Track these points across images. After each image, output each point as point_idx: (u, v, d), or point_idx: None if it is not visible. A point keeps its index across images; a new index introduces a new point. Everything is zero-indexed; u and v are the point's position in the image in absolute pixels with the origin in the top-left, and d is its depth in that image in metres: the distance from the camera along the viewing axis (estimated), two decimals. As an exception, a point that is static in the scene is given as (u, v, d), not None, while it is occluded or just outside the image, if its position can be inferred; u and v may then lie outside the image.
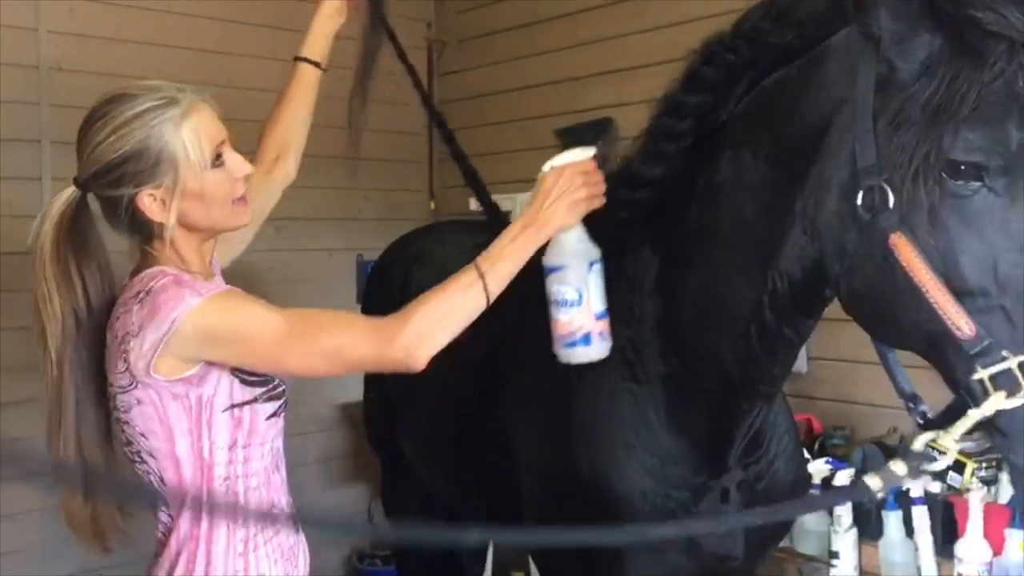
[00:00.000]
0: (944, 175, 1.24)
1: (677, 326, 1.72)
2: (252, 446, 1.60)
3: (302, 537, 1.72)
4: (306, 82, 2.19)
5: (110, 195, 1.57)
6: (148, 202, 1.55)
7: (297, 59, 2.17)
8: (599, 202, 1.62)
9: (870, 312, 1.38)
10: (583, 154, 1.64)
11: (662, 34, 3.63)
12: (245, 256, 3.83)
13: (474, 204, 4.32)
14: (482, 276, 1.54)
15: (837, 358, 3.05)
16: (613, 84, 3.79)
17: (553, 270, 1.63)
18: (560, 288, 1.62)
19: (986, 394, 1.22)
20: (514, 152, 4.25)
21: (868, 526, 2.64)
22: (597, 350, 1.64)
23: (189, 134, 1.55)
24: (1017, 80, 1.21)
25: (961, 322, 1.22)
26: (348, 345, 1.52)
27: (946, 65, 1.25)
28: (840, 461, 2.76)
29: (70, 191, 1.59)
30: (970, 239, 1.23)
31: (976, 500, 2.43)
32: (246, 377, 1.57)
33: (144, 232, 1.60)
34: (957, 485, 2.52)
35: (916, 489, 2.52)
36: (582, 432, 1.83)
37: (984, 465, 2.51)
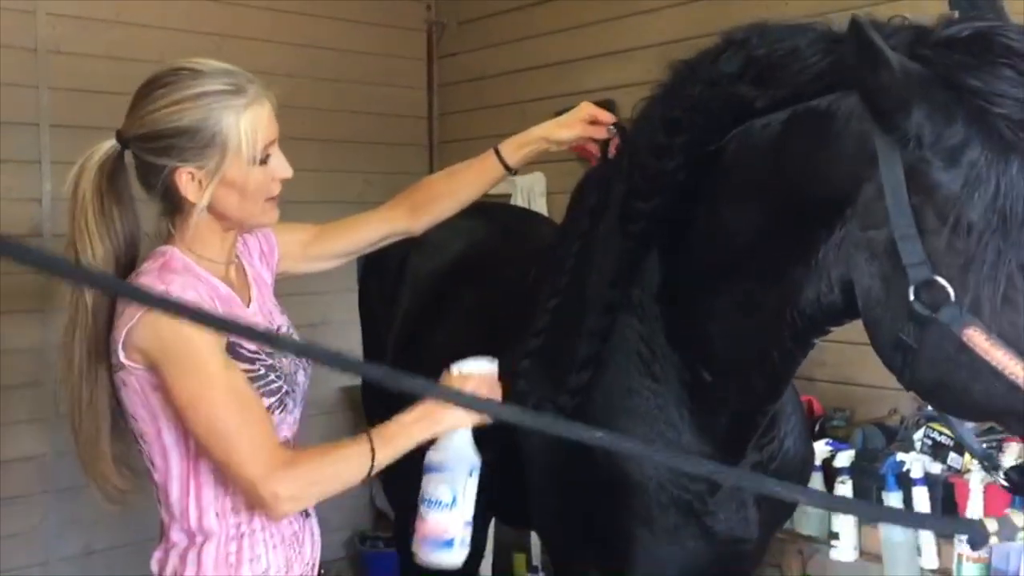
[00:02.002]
0: (1019, 272, 1.23)
1: (703, 344, 1.71)
2: None
3: (312, 523, 1.72)
4: (487, 174, 2.07)
5: (151, 161, 1.55)
6: (186, 180, 1.54)
7: (496, 149, 2.06)
8: (489, 420, 1.61)
9: (941, 395, 1.37)
10: (490, 366, 1.67)
11: (660, 15, 3.62)
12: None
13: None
14: (373, 453, 1.54)
15: (837, 340, 3.03)
16: (612, 66, 3.78)
17: (433, 469, 1.63)
18: (437, 488, 1.62)
19: None
20: (514, 134, 4.23)
21: (868, 507, 2.65)
22: (458, 556, 1.63)
23: (247, 126, 1.54)
24: None
25: None
26: (231, 458, 1.49)
27: (996, 167, 1.23)
28: (840, 443, 2.76)
29: (110, 144, 1.58)
30: None
31: (977, 480, 2.43)
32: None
33: (172, 205, 1.59)
34: (958, 466, 2.53)
35: (916, 470, 2.52)
36: (597, 425, 1.81)
37: (985, 445, 2.52)
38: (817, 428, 2.91)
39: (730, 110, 1.54)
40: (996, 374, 1.24)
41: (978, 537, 1.34)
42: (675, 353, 1.74)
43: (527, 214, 3.24)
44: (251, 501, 1.53)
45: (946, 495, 2.52)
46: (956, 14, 1.37)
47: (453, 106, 4.60)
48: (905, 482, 2.55)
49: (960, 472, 2.52)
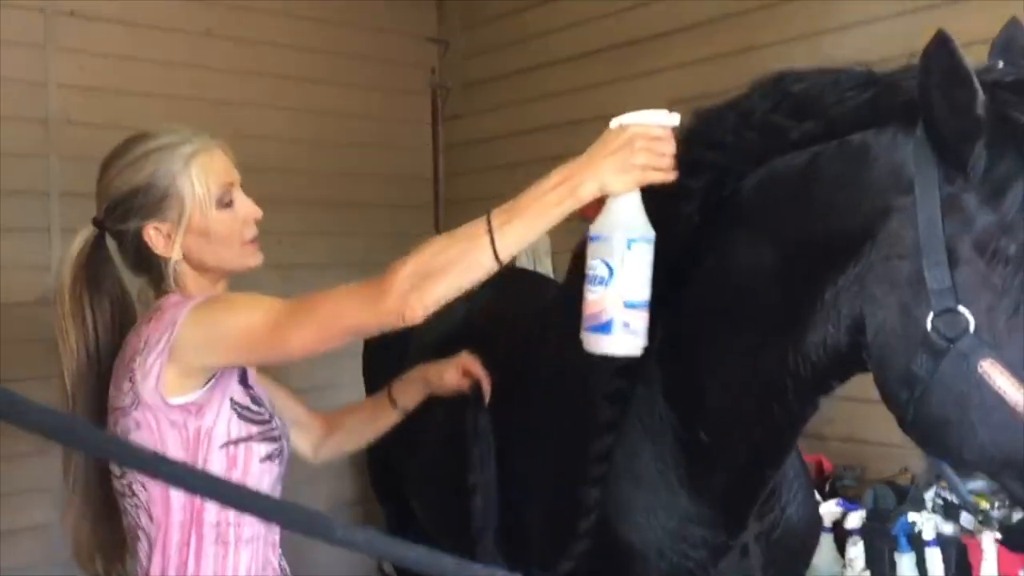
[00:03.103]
0: None
1: (699, 402, 1.68)
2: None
3: None
4: (379, 414, 2.06)
5: (120, 229, 1.61)
6: (153, 235, 1.59)
7: (390, 388, 2.05)
8: (662, 177, 1.43)
9: (945, 436, 1.33)
10: (660, 117, 1.44)
11: (663, 76, 3.66)
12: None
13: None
14: (491, 231, 1.38)
15: (847, 397, 3.02)
16: (616, 127, 3.82)
17: (592, 239, 1.45)
18: (593, 262, 1.43)
19: None
20: (505, 202, 4.26)
21: (881, 568, 2.60)
22: (620, 342, 1.44)
23: (197, 171, 1.59)
24: None
25: None
26: (342, 309, 1.45)
27: None
28: (851, 502, 2.74)
29: (88, 230, 1.65)
30: None
31: (990, 541, 2.40)
32: (244, 412, 1.57)
33: (152, 269, 1.63)
34: (970, 526, 2.49)
35: (929, 530, 2.49)
36: (603, 488, 1.77)
37: (998, 505, 2.49)
38: (828, 487, 2.88)
39: (760, 144, 1.49)
40: (1008, 413, 1.22)
41: None
42: (672, 413, 1.72)
43: (531, 276, 3.25)
44: (388, 323, 1.44)
45: (959, 556, 2.48)
46: (1000, 63, 1.38)
47: (459, 167, 4.65)
48: (917, 543, 2.52)
49: (973, 532, 2.48)
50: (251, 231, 1.65)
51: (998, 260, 1.24)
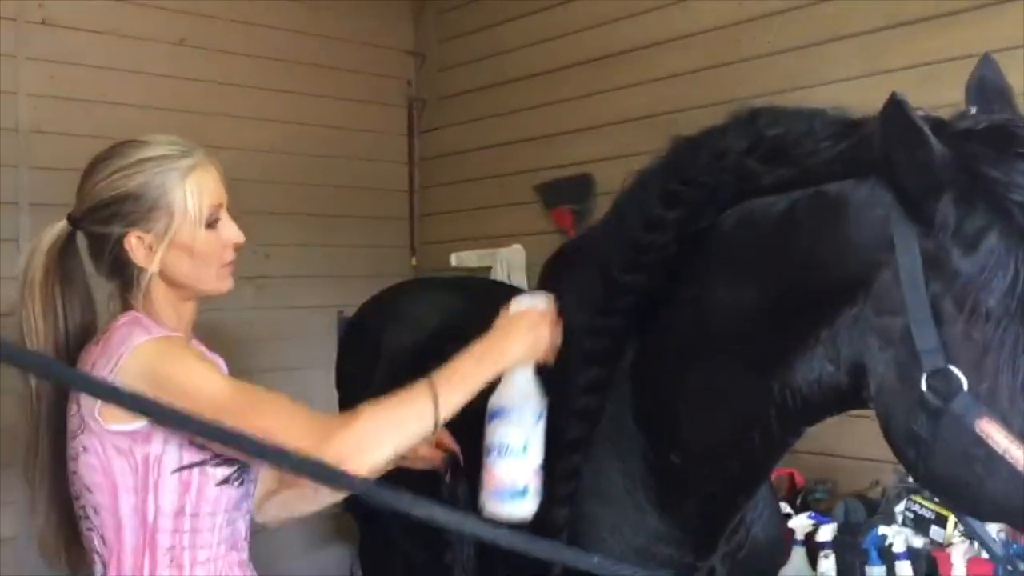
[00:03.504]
0: None
1: (671, 424, 1.66)
2: (201, 515, 1.55)
3: None
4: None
5: (100, 232, 1.57)
6: (135, 244, 1.55)
7: None
8: (553, 355, 1.59)
9: (956, 492, 1.33)
10: (547, 301, 1.61)
11: (639, 91, 3.69)
12: (224, 315, 3.83)
13: (455, 260, 4.35)
14: (436, 400, 1.47)
15: (818, 411, 3.05)
16: (590, 140, 3.84)
17: (499, 413, 1.55)
18: (505, 434, 1.53)
19: None
20: (494, 208, 4.28)
21: (852, 581, 2.62)
22: (531, 504, 1.55)
23: (192, 187, 1.57)
24: None
25: None
26: (282, 431, 1.39)
27: (1014, 254, 1.22)
28: (823, 516, 2.75)
29: (61, 225, 1.61)
30: None
31: (959, 554, 2.42)
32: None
33: (125, 276, 1.59)
34: (940, 539, 2.51)
35: (899, 543, 2.51)
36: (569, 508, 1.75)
37: (1016, 545, 2.49)
38: (799, 501, 2.90)
39: (734, 185, 1.50)
40: (1011, 469, 1.21)
41: None
42: (642, 434, 1.71)
43: (505, 288, 3.25)
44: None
45: (929, 570, 2.50)
46: (972, 109, 1.38)
47: (434, 179, 4.65)
48: (888, 556, 2.53)
49: (943, 545, 2.50)
50: (230, 255, 1.64)
51: (978, 316, 1.24)
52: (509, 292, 3.06)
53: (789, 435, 1.56)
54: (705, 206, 1.55)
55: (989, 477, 1.24)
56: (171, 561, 1.53)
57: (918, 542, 2.52)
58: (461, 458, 1.85)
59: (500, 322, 1.57)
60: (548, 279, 2.06)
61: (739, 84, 3.25)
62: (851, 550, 2.60)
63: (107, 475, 1.51)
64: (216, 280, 1.63)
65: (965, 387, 1.24)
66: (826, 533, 2.64)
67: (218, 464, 1.55)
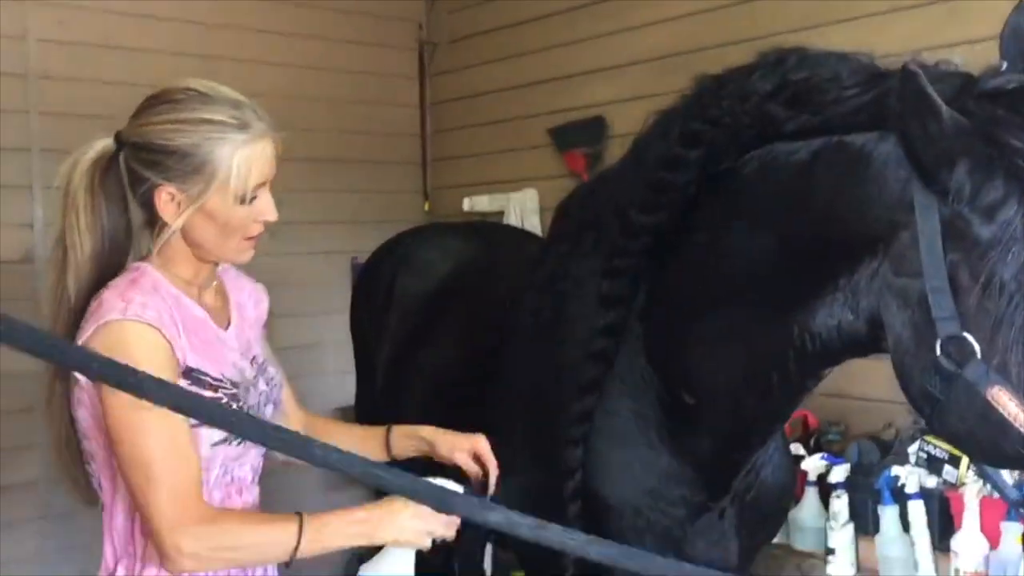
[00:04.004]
0: None
1: (684, 364, 1.67)
2: None
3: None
4: (365, 450, 1.85)
5: (138, 171, 1.54)
6: (165, 199, 1.52)
7: (389, 430, 1.91)
8: (427, 546, 1.55)
9: (970, 446, 1.35)
10: (456, 488, 1.52)
11: (652, 31, 3.63)
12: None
13: (468, 204, 4.34)
14: (299, 541, 1.44)
15: (832, 353, 3.05)
16: (604, 82, 3.79)
17: None
18: None
19: None
20: (507, 151, 4.25)
21: (865, 521, 2.64)
22: None
23: (240, 163, 1.51)
24: None
25: None
26: (148, 494, 1.43)
27: None
28: (836, 457, 2.76)
29: (105, 142, 1.57)
30: None
31: (972, 494, 2.42)
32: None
33: (151, 217, 1.57)
34: (953, 479, 2.52)
35: (912, 484, 2.52)
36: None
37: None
38: (812, 443, 2.91)
39: (756, 129, 1.49)
40: (1020, 434, 1.22)
41: None
42: (654, 373, 1.71)
43: (518, 233, 3.24)
44: (155, 546, 1.46)
45: (942, 509, 2.51)
46: (1004, 64, 1.35)
47: (446, 124, 4.62)
48: (900, 496, 2.54)
49: (955, 486, 2.51)
50: (257, 229, 1.59)
51: (993, 288, 1.23)
52: (520, 236, 3.08)
53: (808, 378, 1.56)
54: (727, 147, 1.53)
55: (1000, 436, 1.25)
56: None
57: (931, 482, 2.53)
58: (495, 476, 1.78)
59: (396, 502, 1.51)
60: (561, 222, 2.06)
61: (755, 23, 3.19)
62: (864, 490, 2.61)
63: (99, 429, 1.51)
64: (235, 252, 1.60)
65: (979, 355, 1.24)
66: (839, 474, 2.66)
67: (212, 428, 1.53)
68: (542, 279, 1.95)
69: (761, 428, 1.68)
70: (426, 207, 4.60)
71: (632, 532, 1.72)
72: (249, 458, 1.64)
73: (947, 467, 2.52)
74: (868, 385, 2.90)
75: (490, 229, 3.12)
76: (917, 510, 2.51)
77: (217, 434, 1.53)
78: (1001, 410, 1.23)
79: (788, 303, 1.47)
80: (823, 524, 2.68)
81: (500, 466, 1.76)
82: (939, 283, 1.26)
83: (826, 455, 2.76)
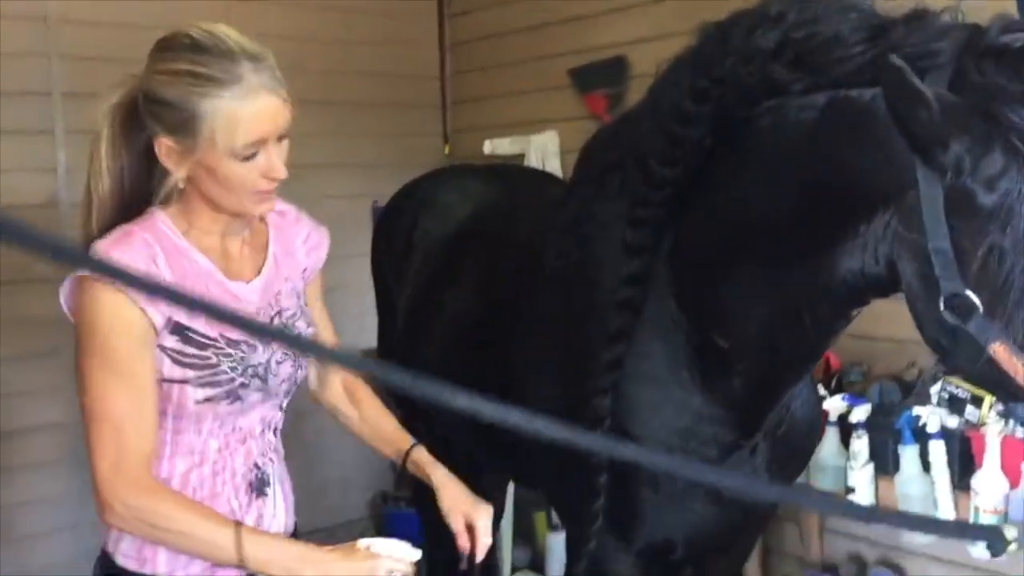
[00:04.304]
0: None
1: (713, 308, 1.68)
2: (185, 420, 1.54)
3: (272, 501, 1.64)
4: (383, 447, 1.95)
5: (144, 118, 1.53)
6: (165, 150, 1.51)
7: (413, 445, 1.88)
8: None
9: (981, 383, 1.47)
10: (407, 551, 1.51)
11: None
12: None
13: (488, 147, 4.31)
14: (239, 549, 1.43)
15: (855, 294, 3.04)
16: (626, 21, 3.74)
17: None
18: None
19: None
20: (527, 93, 4.21)
21: (884, 461, 2.65)
22: None
23: (224, 121, 1.45)
24: None
25: None
26: (96, 441, 1.46)
27: None
28: (857, 397, 2.76)
29: (129, 87, 1.55)
30: None
31: (993, 433, 2.43)
32: (179, 357, 1.51)
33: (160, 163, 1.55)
34: (974, 419, 2.52)
35: (933, 424, 2.52)
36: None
37: (1002, 398, 2.51)
38: (834, 383, 2.91)
39: (763, 88, 1.51)
40: (1022, 387, 1.27)
41: (997, 545, 1.37)
42: (684, 317, 1.72)
43: (539, 175, 3.23)
44: (94, 492, 1.47)
45: (963, 449, 2.52)
46: (1016, 15, 1.35)
47: (466, 65, 4.58)
48: (921, 436, 2.55)
49: (977, 426, 2.51)
50: (265, 184, 1.51)
51: (993, 256, 1.26)
52: (541, 179, 3.06)
53: (838, 318, 1.58)
54: (735, 104, 1.55)
55: (1004, 381, 1.31)
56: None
57: (952, 422, 2.54)
58: (481, 552, 1.74)
59: (345, 551, 1.49)
60: (585, 164, 2.05)
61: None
62: (884, 430, 2.62)
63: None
64: (245, 204, 1.54)
65: (981, 311, 1.28)
66: (860, 414, 2.66)
67: (200, 385, 1.53)
68: (567, 222, 1.95)
69: (795, 369, 1.70)
70: (446, 150, 4.58)
71: (664, 472, 1.74)
72: (257, 410, 1.62)
73: (969, 407, 2.52)
74: (891, 326, 2.88)
75: (510, 171, 3.11)
76: (938, 450, 2.52)
77: (202, 393, 1.52)
78: (1003, 365, 1.28)
79: (812, 249, 1.49)
80: (843, 463, 2.69)
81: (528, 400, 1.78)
82: (942, 245, 1.30)
83: (847, 395, 2.77)
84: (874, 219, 1.40)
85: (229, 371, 1.54)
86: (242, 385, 1.56)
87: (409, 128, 4.46)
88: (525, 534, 3.93)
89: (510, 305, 2.09)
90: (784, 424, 1.84)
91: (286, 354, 1.63)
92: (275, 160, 1.51)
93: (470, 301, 2.32)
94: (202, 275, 1.56)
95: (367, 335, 3.41)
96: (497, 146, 4.26)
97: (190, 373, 1.51)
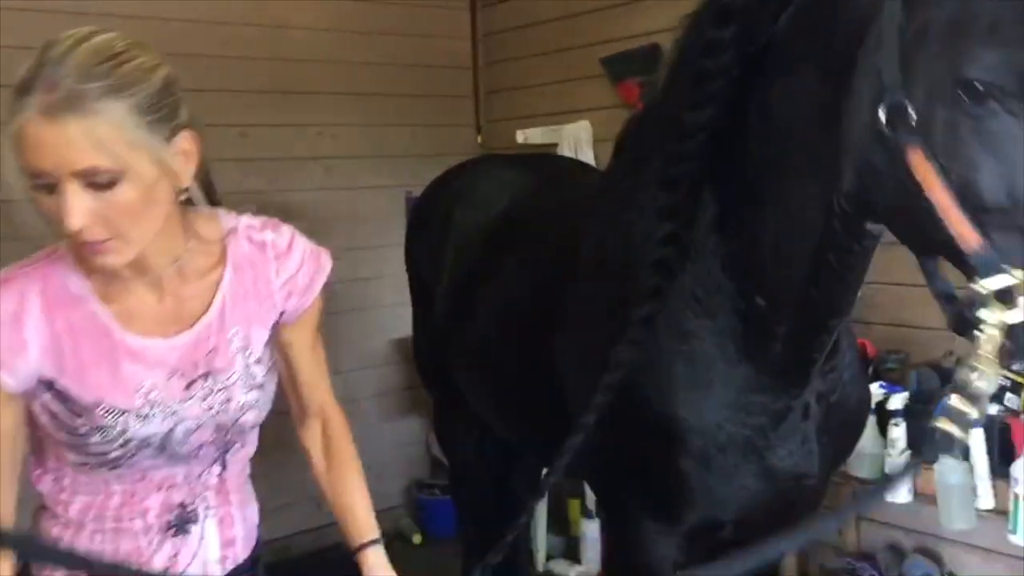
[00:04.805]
0: (961, 94, 1.22)
1: (755, 266, 1.68)
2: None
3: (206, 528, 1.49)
4: (338, 515, 1.63)
5: None
6: None
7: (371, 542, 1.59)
8: None
9: (901, 227, 1.40)
10: None
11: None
12: (295, 196, 3.89)
13: (521, 137, 4.32)
14: None
15: (892, 282, 3.01)
16: (660, 9, 3.71)
17: None
18: None
19: (983, 305, 1.21)
20: (560, 83, 4.21)
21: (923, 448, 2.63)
22: None
23: (6, 137, 1.21)
24: None
25: (968, 237, 1.22)
26: None
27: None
28: (894, 385, 2.75)
29: None
30: (987, 159, 1.22)
31: (1034, 421, 2.41)
32: (53, 415, 1.37)
33: None
34: (1014, 406, 2.50)
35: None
36: (651, 371, 1.78)
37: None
38: (871, 371, 2.89)
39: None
40: (931, 209, 1.24)
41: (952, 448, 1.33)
42: (731, 283, 1.72)
43: (573, 164, 3.23)
44: None
45: (1002, 436, 2.50)
46: None
47: (498, 55, 4.58)
48: (960, 423, 2.53)
49: (1017, 412, 2.49)
50: (69, 232, 1.22)
51: (925, 43, 1.26)
52: (578, 167, 3.06)
53: (856, 238, 1.55)
54: (758, 14, 1.56)
55: (918, 212, 1.28)
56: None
57: (991, 409, 2.51)
58: None
59: None
60: (621, 151, 2.06)
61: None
62: (922, 418, 2.60)
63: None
64: (76, 249, 1.28)
65: (913, 121, 1.27)
66: (897, 402, 2.65)
67: (71, 448, 1.39)
68: (606, 212, 1.95)
69: (837, 304, 1.67)
70: (479, 140, 4.59)
71: (714, 448, 1.74)
72: (160, 472, 1.43)
73: (1008, 394, 2.49)
74: (929, 314, 2.86)
75: (545, 161, 3.12)
76: (977, 437, 2.49)
77: (74, 457, 1.39)
78: (915, 173, 1.26)
79: (823, 167, 1.49)
80: (881, 451, 2.68)
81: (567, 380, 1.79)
82: (890, 45, 1.30)
83: (884, 383, 2.75)
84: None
85: (100, 442, 1.35)
86: (125, 455, 1.38)
87: (442, 119, 4.48)
88: (559, 521, 3.95)
89: (551, 293, 2.10)
90: (838, 391, 1.83)
91: (199, 422, 1.41)
92: (69, 206, 1.19)
93: (512, 291, 2.33)
94: (95, 330, 1.35)
95: (403, 324, 3.44)
96: (530, 136, 4.27)
97: (62, 435, 1.37)
